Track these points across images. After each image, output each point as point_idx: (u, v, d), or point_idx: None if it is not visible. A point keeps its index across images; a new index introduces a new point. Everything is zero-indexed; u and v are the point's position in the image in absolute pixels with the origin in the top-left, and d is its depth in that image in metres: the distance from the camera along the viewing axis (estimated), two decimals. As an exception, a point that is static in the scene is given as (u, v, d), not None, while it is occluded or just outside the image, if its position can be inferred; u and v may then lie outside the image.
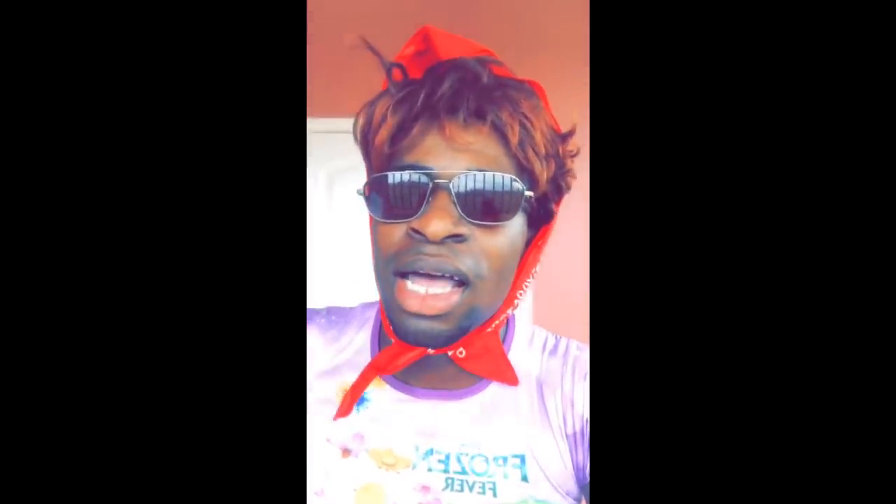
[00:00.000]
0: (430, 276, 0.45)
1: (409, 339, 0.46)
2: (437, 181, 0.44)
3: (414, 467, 0.51)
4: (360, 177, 0.50)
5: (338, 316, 0.60)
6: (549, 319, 2.08)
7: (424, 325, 0.45)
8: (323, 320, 0.59)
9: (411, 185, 0.45)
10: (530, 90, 0.49)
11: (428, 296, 0.45)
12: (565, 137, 0.51)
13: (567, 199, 0.55)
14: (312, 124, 2.16)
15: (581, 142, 0.53)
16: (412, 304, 0.45)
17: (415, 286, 0.45)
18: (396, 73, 0.49)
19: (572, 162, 0.52)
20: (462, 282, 0.45)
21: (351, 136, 0.51)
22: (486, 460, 0.51)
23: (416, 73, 0.49)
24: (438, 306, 0.45)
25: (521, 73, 0.50)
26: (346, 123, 0.50)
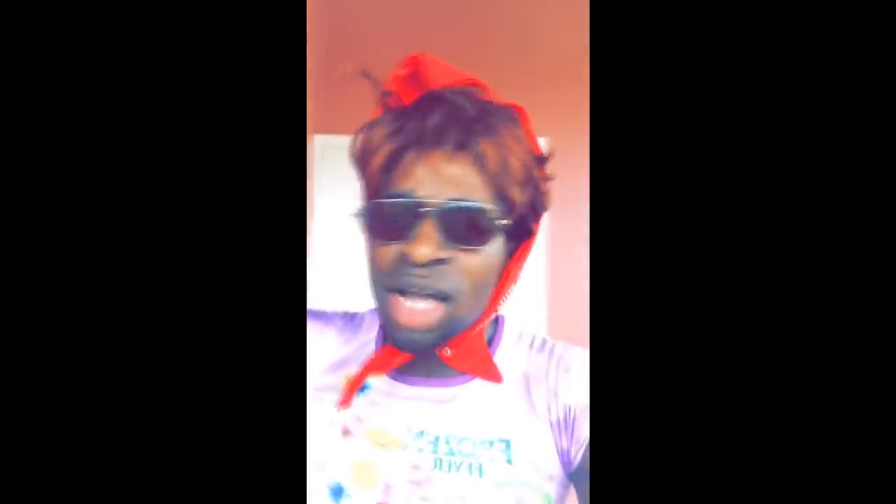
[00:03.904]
0: (417, 294, 0.51)
1: (400, 346, 0.54)
2: (423, 209, 0.50)
3: (405, 447, 0.56)
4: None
5: (352, 319, 0.67)
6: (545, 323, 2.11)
7: (412, 336, 0.52)
8: (340, 322, 0.66)
9: (401, 212, 0.51)
10: (512, 116, 0.54)
11: (414, 311, 0.51)
12: (542, 161, 0.56)
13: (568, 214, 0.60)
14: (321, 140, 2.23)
15: (581, 151, 0.57)
16: (401, 318, 0.52)
17: (403, 301, 0.52)
18: (391, 101, 0.54)
19: (547, 186, 0.58)
20: (443, 298, 0.52)
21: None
22: (473, 443, 0.55)
23: (408, 96, 0.55)
24: (422, 321, 0.51)
25: (521, 84, 0.54)
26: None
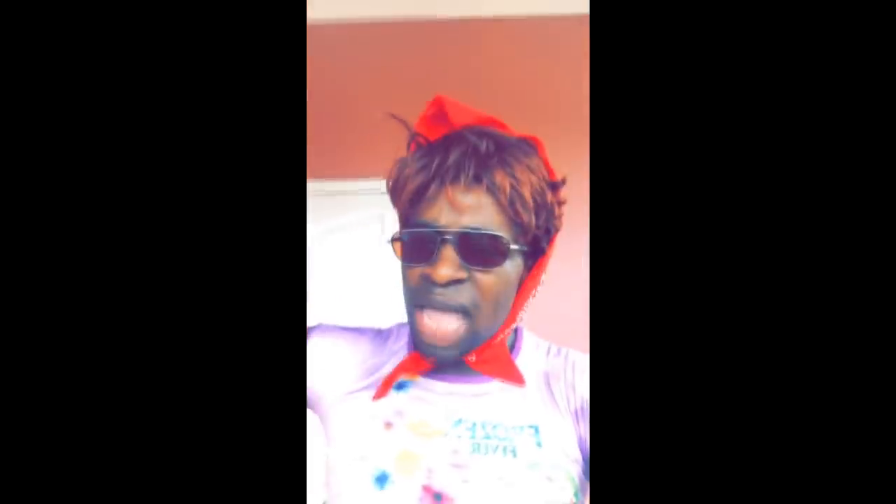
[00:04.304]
0: (438, 309, 0.59)
1: (427, 355, 0.62)
2: (444, 237, 0.58)
3: (445, 435, 0.62)
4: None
5: (380, 333, 0.75)
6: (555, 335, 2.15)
7: (435, 350, 0.60)
8: (371, 334, 0.74)
9: (425, 239, 0.59)
10: (528, 147, 0.62)
11: (438, 330, 0.59)
12: (555, 186, 0.64)
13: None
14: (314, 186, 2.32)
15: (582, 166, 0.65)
16: (425, 333, 0.60)
17: (429, 319, 0.60)
18: (420, 140, 0.63)
19: (560, 209, 0.65)
20: (462, 311, 0.59)
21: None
22: (506, 429, 0.62)
23: (434, 134, 0.63)
24: (444, 337, 0.59)
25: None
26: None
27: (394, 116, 0.62)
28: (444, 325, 0.59)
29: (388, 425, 0.63)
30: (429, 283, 0.59)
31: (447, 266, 0.57)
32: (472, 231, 0.58)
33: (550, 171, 0.63)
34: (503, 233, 0.59)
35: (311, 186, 2.33)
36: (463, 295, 0.59)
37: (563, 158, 0.69)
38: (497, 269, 0.60)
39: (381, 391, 0.65)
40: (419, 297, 0.60)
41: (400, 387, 0.66)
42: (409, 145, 0.63)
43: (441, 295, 0.58)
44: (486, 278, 0.59)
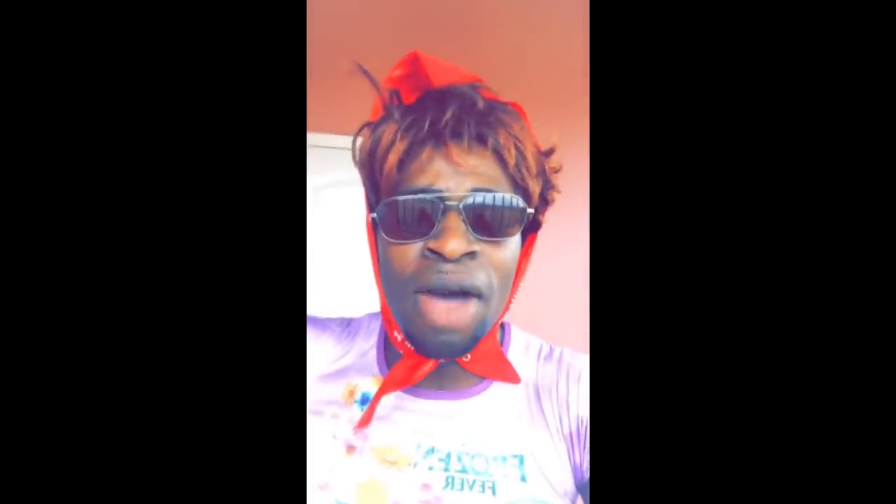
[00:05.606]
0: (450, 293, 0.48)
1: (431, 352, 0.50)
2: (447, 203, 0.48)
3: (415, 465, 0.52)
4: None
5: (348, 325, 0.64)
6: (548, 329, 2.11)
7: (447, 338, 0.49)
8: (338, 329, 0.63)
9: (423, 207, 0.48)
10: (515, 112, 0.53)
11: (452, 309, 0.48)
12: (547, 155, 0.55)
13: (567, 214, 0.59)
14: (310, 138, 2.20)
15: (581, 153, 0.57)
16: (438, 318, 0.48)
17: (438, 301, 0.48)
18: (394, 99, 0.52)
19: (556, 177, 0.56)
20: (477, 295, 0.49)
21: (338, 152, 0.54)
22: (486, 460, 0.52)
23: (407, 97, 0.53)
24: (461, 319, 0.49)
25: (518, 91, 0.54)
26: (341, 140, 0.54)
27: (362, 69, 0.51)
28: (458, 305, 0.48)
29: (351, 449, 0.54)
30: (434, 260, 0.48)
31: (456, 237, 0.47)
32: (483, 195, 0.48)
33: (536, 141, 0.54)
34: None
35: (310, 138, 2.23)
36: (477, 274, 0.48)
37: (564, 143, 0.60)
38: (508, 241, 0.50)
39: (366, 418, 0.54)
40: (423, 279, 0.49)
41: (363, 401, 0.56)
42: (378, 104, 0.52)
43: (451, 273, 0.48)
44: (497, 251, 0.50)
